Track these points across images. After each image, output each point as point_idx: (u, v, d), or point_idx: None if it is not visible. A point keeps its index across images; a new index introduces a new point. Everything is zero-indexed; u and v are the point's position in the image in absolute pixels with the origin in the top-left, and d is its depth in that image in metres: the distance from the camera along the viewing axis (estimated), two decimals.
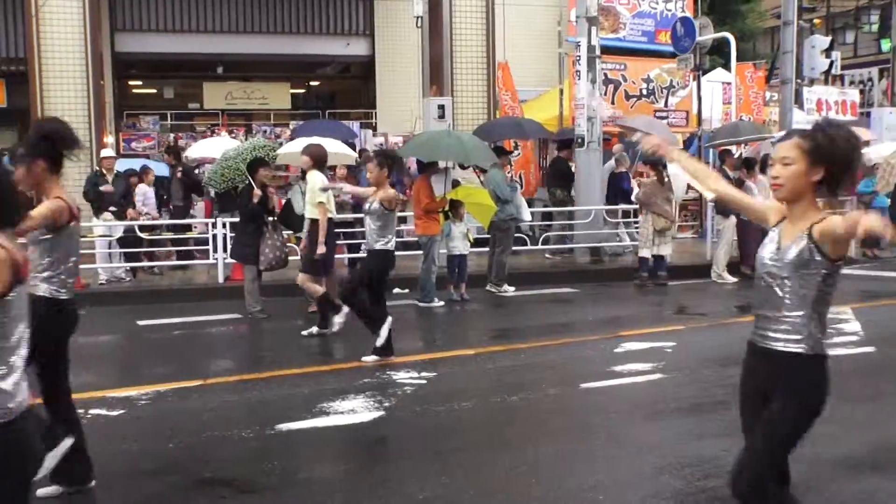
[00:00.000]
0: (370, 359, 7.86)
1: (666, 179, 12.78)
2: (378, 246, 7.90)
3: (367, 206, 8.05)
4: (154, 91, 22.77)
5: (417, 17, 14.20)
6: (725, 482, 4.88)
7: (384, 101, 19.99)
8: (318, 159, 9.39)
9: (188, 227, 13.60)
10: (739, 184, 13.13)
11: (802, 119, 17.68)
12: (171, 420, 6.28)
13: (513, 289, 12.07)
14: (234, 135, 18.24)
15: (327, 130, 16.12)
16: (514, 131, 15.25)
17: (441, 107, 13.40)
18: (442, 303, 11.17)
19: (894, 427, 5.99)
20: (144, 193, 12.97)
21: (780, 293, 3.32)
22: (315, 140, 12.98)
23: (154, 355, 8.87)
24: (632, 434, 6.03)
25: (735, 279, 12.93)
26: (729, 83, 17.80)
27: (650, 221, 12.62)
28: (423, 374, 7.57)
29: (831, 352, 3.36)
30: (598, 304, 11.67)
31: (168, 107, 21.56)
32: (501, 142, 14.54)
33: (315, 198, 9.12)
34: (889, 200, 13.41)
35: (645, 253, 12.73)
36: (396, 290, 11.75)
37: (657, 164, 12.69)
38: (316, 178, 9.17)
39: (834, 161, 3.19)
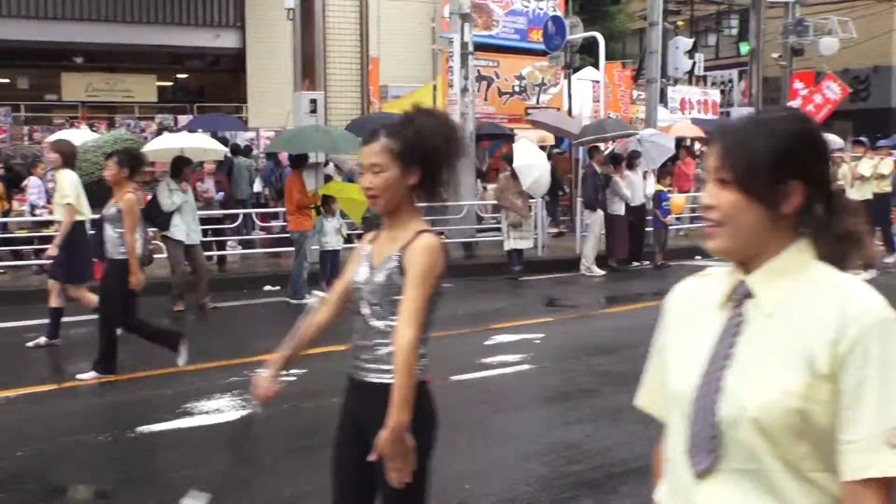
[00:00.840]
0: (87, 376, 7.10)
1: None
2: (119, 255, 7.05)
3: (105, 211, 7.22)
4: (6, 81, 21.63)
5: (289, 10, 13.95)
6: (589, 466, 5.09)
7: (256, 96, 19.63)
8: (68, 157, 8.51)
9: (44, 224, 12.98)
10: (607, 179, 13.54)
11: (667, 117, 18.34)
12: (22, 428, 5.98)
13: None
14: (95, 128, 17.53)
15: (219, 125, 15.81)
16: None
17: (313, 101, 13.22)
18: (314, 299, 10.99)
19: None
20: (38, 186, 12.39)
21: (371, 322, 2.88)
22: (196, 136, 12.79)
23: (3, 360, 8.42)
24: (498, 424, 6.12)
25: (603, 272, 13.28)
26: (598, 82, 18.22)
27: (504, 216, 12.89)
28: (293, 371, 7.43)
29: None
30: (470, 299, 11.74)
31: (22, 98, 20.52)
32: None
33: (63, 199, 8.22)
34: None
35: (506, 246, 12.94)
36: (267, 288, 11.56)
37: (508, 159, 12.95)
38: (65, 178, 8.31)
39: (428, 158, 2.75)
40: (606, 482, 4.90)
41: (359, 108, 16.45)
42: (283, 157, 14.17)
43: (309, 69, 14.80)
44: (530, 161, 12.91)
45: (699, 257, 13.62)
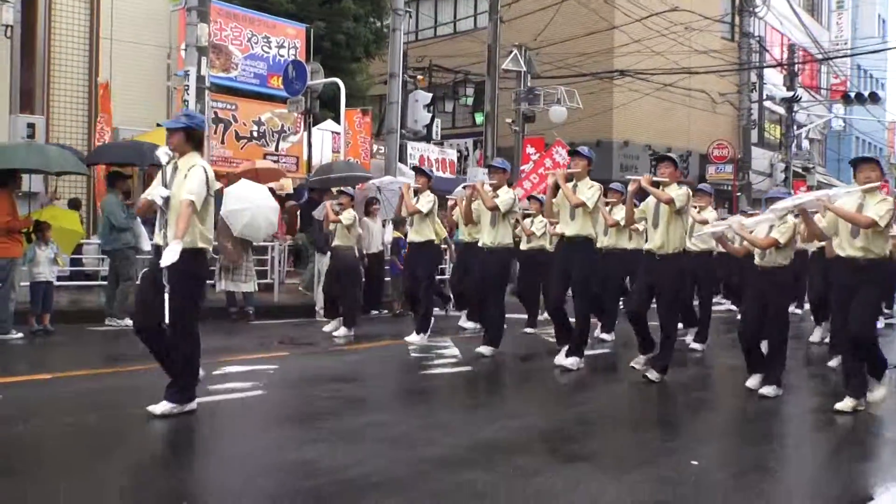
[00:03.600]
0: None
1: None
2: None
3: None
4: None
5: (6, 27, 12.97)
6: (326, 482, 4.87)
7: None
8: None
9: None
10: None
11: (408, 172, 18.76)
12: None
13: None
14: None
15: None
16: (133, 155, 14.32)
17: (30, 125, 12.30)
18: (20, 335, 10.05)
19: (487, 430, 6.31)
20: None
21: None
22: None
23: None
24: (222, 446, 5.78)
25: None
26: (338, 133, 18.40)
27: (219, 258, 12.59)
28: None
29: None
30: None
31: None
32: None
33: None
34: None
35: (217, 287, 12.74)
36: None
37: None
38: None
39: None
40: (344, 494, 4.69)
41: (86, 135, 15.60)
42: None
43: (27, 93, 13.81)
44: (239, 206, 12.49)
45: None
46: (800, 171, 35.42)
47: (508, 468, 5.23)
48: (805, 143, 35.54)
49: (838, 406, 7.09)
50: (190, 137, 6.27)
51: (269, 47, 19.07)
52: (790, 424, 7.34)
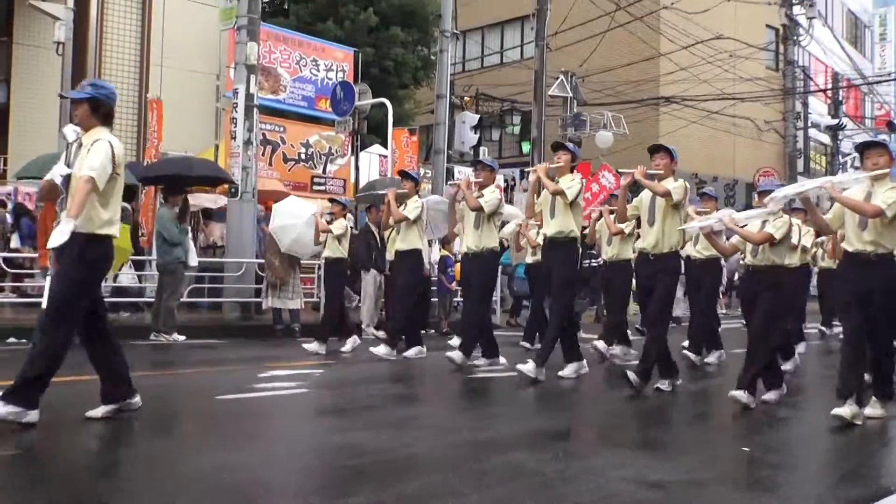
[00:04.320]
0: None
1: None
2: None
3: None
4: None
5: (58, 44, 13.02)
6: (370, 461, 4.60)
7: (19, 145, 18.13)
8: None
9: None
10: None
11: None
12: None
13: (183, 337, 11.07)
14: None
15: None
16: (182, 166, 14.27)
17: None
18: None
19: (535, 421, 6.03)
20: None
21: None
22: None
23: None
24: (270, 431, 5.66)
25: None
26: (385, 157, 18.24)
27: (266, 274, 12.45)
28: None
29: None
30: (239, 349, 10.90)
31: None
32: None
33: None
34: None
35: (265, 304, 12.64)
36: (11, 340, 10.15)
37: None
38: None
39: None
40: (388, 472, 4.41)
41: (134, 152, 15.59)
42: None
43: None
44: (287, 221, 12.29)
45: None
46: None
47: (555, 451, 5.13)
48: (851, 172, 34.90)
49: (836, 411, 6.16)
50: (96, 110, 5.44)
51: (318, 70, 19.03)
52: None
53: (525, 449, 5.11)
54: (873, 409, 6.41)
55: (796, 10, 26.20)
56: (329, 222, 10.90)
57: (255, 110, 14.01)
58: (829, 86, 32.72)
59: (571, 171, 8.32)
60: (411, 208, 9.87)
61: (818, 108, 32.51)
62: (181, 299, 11.97)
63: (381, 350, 9.54)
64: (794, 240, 8.87)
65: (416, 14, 23.16)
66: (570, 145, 8.66)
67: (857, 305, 6.19)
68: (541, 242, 10.67)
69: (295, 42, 18.87)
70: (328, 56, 19.34)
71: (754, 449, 5.52)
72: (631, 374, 7.47)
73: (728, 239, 7.82)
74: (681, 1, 22.62)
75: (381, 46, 22.10)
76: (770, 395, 7.19)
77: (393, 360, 9.42)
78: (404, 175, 10.62)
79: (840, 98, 31.99)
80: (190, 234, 12.17)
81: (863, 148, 6.40)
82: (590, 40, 23.23)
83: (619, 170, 8.31)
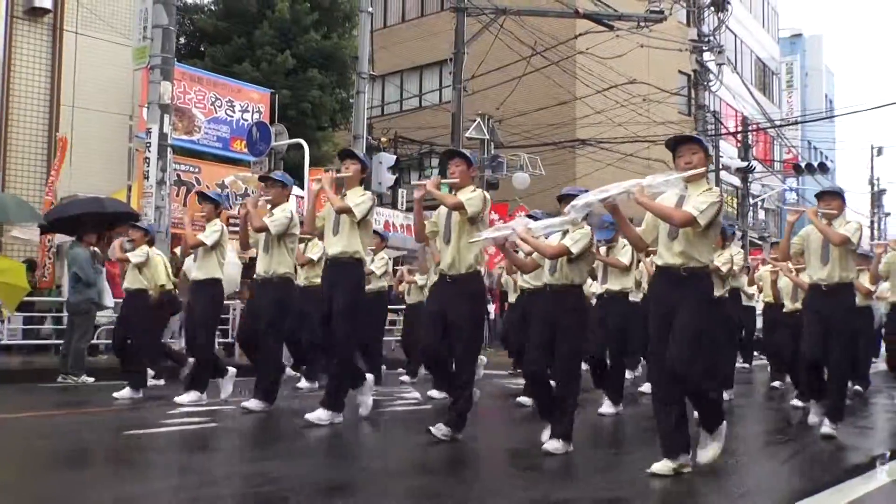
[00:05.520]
0: None
1: None
2: None
3: None
4: None
5: None
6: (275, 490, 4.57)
7: None
8: None
9: None
10: None
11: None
12: None
13: (92, 379, 10.72)
14: None
15: None
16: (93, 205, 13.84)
17: None
18: None
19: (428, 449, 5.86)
20: None
21: None
22: None
23: None
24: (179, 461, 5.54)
25: None
26: (302, 198, 18.05)
27: None
28: None
29: None
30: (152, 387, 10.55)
31: None
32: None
33: None
34: None
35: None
36: None
37: None
38: None
39: None
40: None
41: (42, 191, 15.33)
42: None
43: None
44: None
45: None
46: (756, 240, 35.66)
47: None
48: (760, 213, 35.89)
49: (654, 468, 5.21)
50: None
51: (233, 111, 18.90)
52: None
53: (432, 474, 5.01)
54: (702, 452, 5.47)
55: (706, 56, 26.91)
56: (126, 251, 9.69)
57: (169, 150, 13.83)
58: (739, 130, 33.71)
59: (361, 184, 7.46)
60: (209, 232, 8.68)
61: (729, 151, 33.46)
62: (90, 341, 11.62)
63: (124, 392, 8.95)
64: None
65: (334, 57, 23.24)
66: (361, 154, 7.78)
67: (658, 331, 5.26)
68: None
69: (210, 83, 18.73)
70: (244, 97, 19.22)
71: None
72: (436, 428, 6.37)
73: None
74: (596, 46, 23.12)
75: (299, 88, 22.07)
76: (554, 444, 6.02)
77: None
78: (203, 197, 9.51)
79: (749, 142, 32.94)
80: (104, 275, 11.84)
81: (674, 144, 5.47)
82: (507, 84, 23.58)
83: (414, 182, 7.54)
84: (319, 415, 6.99)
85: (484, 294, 6.92)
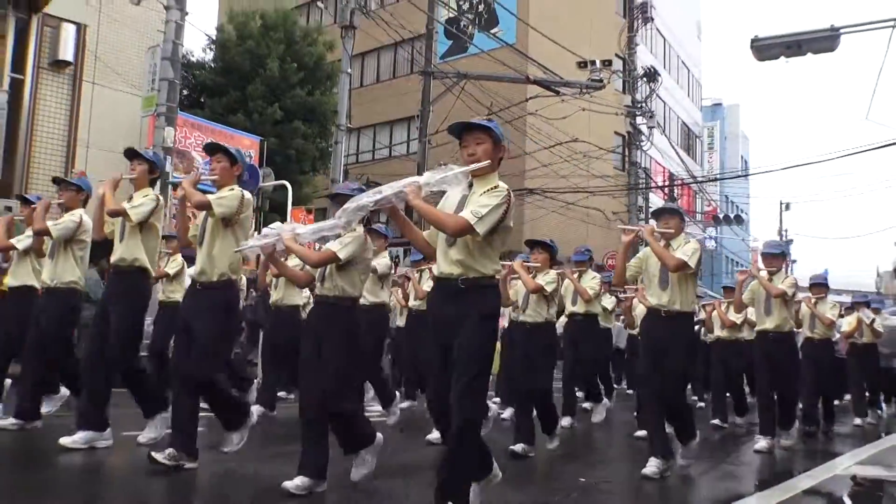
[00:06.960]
0: None
1: None
2: None
3: None
4: None
5: None
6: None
7: None
8: None
9: None
10: None
11: None
12: None
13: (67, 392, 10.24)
14: None
15: None
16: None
17: (9, 208, 12.13)
18: None
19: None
20: None
21: None
22: None
23: None
24: None
25: None
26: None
27: None
28: None
29: None
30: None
31: None
32: None
33: None
34: None
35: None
36: None
37: None
38: None
39: None
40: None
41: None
42: None
43: (5, 186, 13.60)
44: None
45: None
46: None
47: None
48: None
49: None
50: None
51: None
52: None
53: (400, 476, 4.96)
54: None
55: (639, 120, 27.81)
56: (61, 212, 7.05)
57: (170, 187, 14.18)
58: (666, 184, 34.65)
59: (152, 185, 6.44)
60: (22, 238, 7.12)
61: (657, 203, 34.32)
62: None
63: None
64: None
65: (317, 111, 23.72)
66: (149, 154, 6.50)
67: (437, 348, 4.07)
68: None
69: (208, 129, 19.09)
70: (237, 143, 19.55)
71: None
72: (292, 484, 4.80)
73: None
74: (544, 109, 23.83)
75: (285, 137, 22.49)
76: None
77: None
78: (60, 182, 7.20)
79: (675, 195, 33.82)
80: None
81: (459, 131, 4.26)
82: None
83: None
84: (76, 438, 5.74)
85: (233, 306, 5.56)
